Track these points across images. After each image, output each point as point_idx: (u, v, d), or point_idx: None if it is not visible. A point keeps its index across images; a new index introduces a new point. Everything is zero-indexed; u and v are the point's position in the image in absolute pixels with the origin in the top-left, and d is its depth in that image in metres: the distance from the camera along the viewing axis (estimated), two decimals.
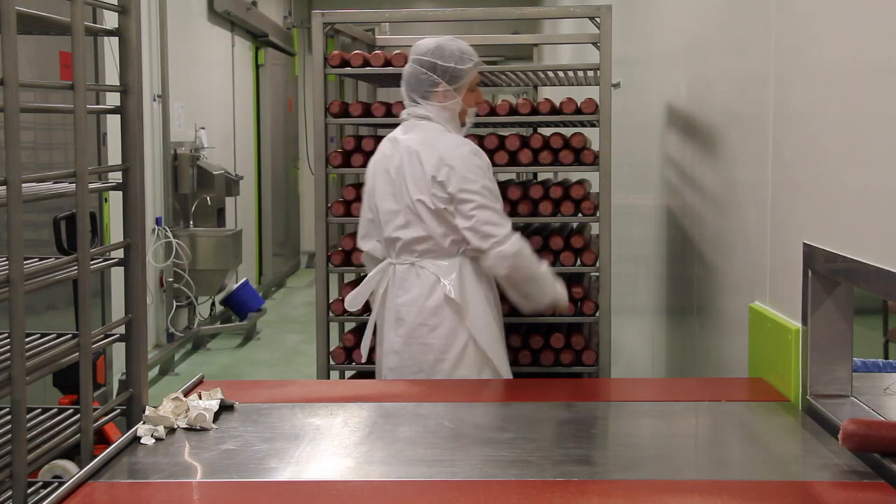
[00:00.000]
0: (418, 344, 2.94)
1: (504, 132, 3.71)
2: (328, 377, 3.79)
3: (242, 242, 8.05)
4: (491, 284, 3.02)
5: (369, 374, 3.75)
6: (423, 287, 2.96)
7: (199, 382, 2.53)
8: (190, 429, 2.17)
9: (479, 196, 2.89)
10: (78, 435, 2.15)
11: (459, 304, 2.91)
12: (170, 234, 7.26)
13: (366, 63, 3.71)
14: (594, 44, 3.61)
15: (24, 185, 1.91)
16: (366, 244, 3.23)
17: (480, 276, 2.98)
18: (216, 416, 2.23)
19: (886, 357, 2.96)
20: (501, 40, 6.06)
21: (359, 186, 3.85)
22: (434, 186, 2.91)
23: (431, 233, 2.95)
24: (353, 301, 3.21)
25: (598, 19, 3.55)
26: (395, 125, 4.00)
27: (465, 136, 3.12)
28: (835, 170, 2.14)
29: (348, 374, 3.88)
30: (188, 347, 7.73)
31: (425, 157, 2.94)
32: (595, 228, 3.81)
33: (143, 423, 2.17)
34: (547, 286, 3.02)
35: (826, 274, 2.16)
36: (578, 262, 3.68)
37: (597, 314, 3.63)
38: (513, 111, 3.62)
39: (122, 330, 2.36)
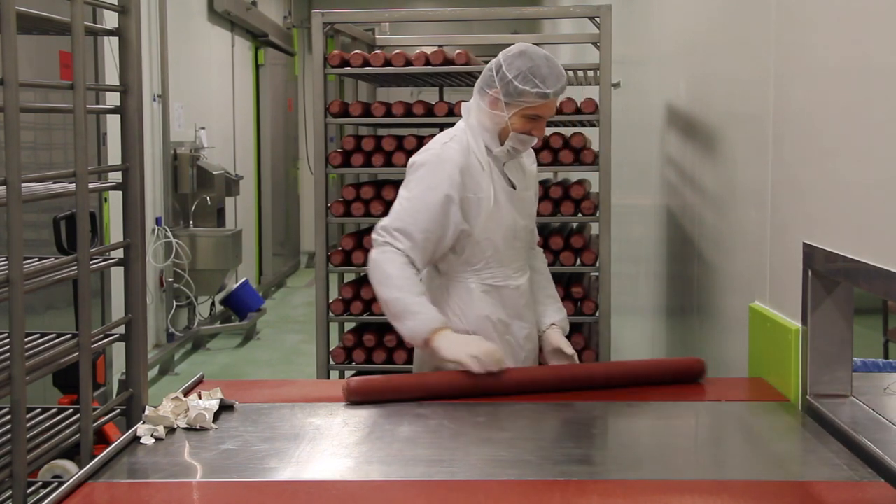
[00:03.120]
0: None
1: None
2: (328, 377, 3.79)
3: (242, 242, 8.05)
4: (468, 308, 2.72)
5: (369, 374, 3.75)
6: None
7: (199, 382, 2.53)
8: (190, 429, 2.17)
9: (395, 201, 2.67)
10: (78, 435, 2.16)
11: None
12: (170, 234, 7.26)
13: (366, 63, 3.72)
14: (594, 44, 3.61)
15: (24, 185, 1.91)
16: None
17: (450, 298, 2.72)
18: (216, 415, 2.23)
19: (886, 357, 2.96)
20: (501, 40, 6.04)
21: (358, 186, 3.85)
22: None
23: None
24: None
25: (598, 19, 3.55)
26: (394, 125, 4.02)
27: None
28: (835, 170, 2.14)
29: (348, 374, 3.89)
30: (188, 347, 7.73)
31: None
32: (595, 228, 3.82)
33: (143, 422, 2.17)
34: (391, 312, 2.57)
35: (826, 274, 2.16)
36: (578, 261, 3.68)
37: (597, 314, 3.63)
38: None
39: (122, 330, 2.36)
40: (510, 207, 2.71)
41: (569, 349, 2.78)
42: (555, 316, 2.85)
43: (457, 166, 2.62)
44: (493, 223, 2.67)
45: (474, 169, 2.64)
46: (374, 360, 3.79)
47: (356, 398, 2.37)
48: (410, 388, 2.42)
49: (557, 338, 2.80)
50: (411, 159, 2.71)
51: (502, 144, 2.66)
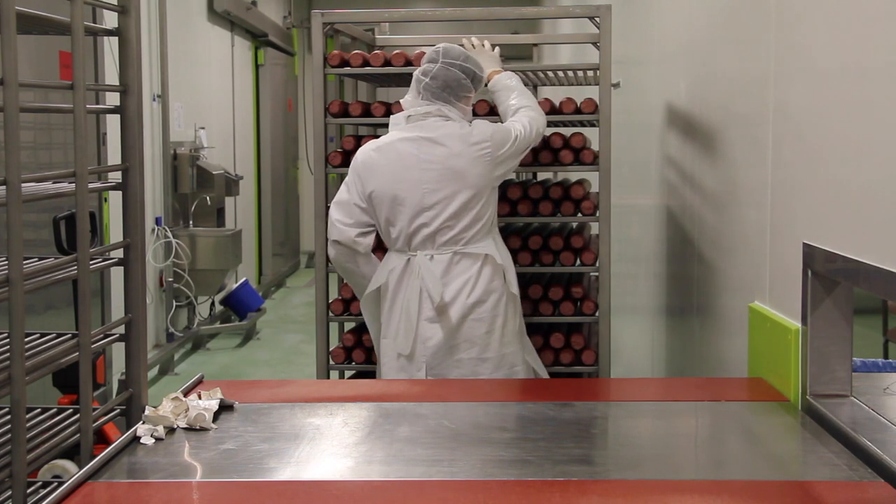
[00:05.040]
0: (470, 321, 3.11)
1: None
2: (328, 377, 3.79)
3: (242, 242, 8.04)
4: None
5: (369, 374, 3.75)
6: (469, 272, 3.13)
7: (199, 382, 2.53)
8: (189, 429, 2.17)
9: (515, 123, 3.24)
10: (77, 435, 2.15)
11: (504, 272, 3.18)
12: (169, 234, 7.26)
13: (365, 63, 3.71)
14: (594, 44, 3.61)
15: (24, 185, 1.91)
16: (366, 238, 3.30)
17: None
18: (216, 415, 2.23)
19: (886, 357, 2.96)
20: (501, 40, 6.02)
21: None
22: (497, 166, 3.17)
23: (485, 214, 3.15)
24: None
25: (597, 19, 3.55)
26: None
27: None
28: (835, 170, 2.14)
29: (348, 374, 3.88)
30: (188, 347, 7.73)
31: (481, 142, 3.15)
32: (595, 228, 3.81)
33: (143, 422, 2.17)
34: None
35: (826, 274, 2.16)
36: (578, 262, 3.68)
37: (596, 314, 3.63)
38: None
39: (121, 330, 2.36)
40: None
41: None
42: None
43: None
44: None
45: None
46: (373, 360, 3.78)
47: None
48: None
49: None
50: (492, 125, 3.22)
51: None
